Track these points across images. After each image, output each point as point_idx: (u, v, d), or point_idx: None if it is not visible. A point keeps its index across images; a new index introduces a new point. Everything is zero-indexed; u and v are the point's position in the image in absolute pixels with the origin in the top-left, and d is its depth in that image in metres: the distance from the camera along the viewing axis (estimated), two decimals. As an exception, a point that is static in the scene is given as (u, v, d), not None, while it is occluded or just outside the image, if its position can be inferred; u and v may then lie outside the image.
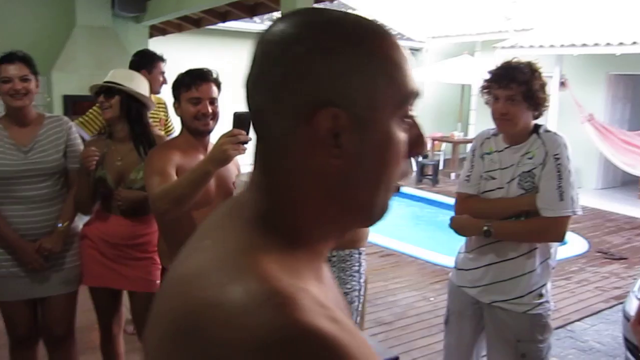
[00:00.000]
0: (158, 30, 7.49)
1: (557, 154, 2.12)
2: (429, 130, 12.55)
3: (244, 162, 2.21)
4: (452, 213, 2.40)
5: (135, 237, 2.56)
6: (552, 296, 2.31)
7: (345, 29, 0.64)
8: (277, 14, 5.01)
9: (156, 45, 6.70)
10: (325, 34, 0.63)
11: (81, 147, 2.59)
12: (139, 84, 2.59)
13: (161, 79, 3.63)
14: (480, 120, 12.05)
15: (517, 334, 2.22)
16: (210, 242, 0.64)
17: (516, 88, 2.11)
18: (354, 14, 0.67)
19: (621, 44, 8.59)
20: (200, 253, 0.63)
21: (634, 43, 8.48)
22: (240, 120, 1.87)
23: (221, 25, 7.31)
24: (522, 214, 2.18)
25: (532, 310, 2.21)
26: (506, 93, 2.13)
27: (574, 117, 9.03)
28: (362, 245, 2.42)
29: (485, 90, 2.22)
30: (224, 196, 2.13)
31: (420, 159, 11.31)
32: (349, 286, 2.32)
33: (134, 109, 2.53)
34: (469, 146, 10.60)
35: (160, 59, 3.67)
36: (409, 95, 0.66)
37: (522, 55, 2.47)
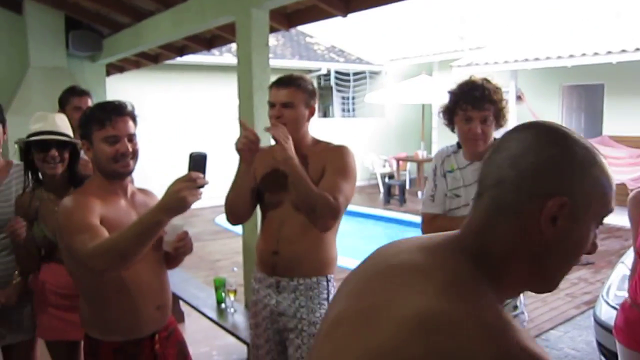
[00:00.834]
0: (115, 68, 7.44)
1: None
2: (393, 151, 12.71)
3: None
4: (420, 232, 2.39)
5: None
6: (525, 306, 2.32)
7: (585, 148, 0.86)
8: (234, 46, 5.04)
9: (114, 83, 6.67)
10: (573, 148, 0.85)
11: None
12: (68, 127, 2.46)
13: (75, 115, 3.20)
14: (442, 138, 12.26)
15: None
16: (440, 278, 0.82)
17: (490, 108, 2.12)
18: (578, 135, 0.89)
19: (572, 56, 8.91)
20: (432, 287, 0.80)
21: (584, 55, 8.80)
22: (197, 162, 1.66)
23: (179, 60, 7.30)
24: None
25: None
26: (481, 114, 2.12)
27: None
28: (330, 272, 2.34)
29: (461, 112, 2.18)
30: (154, 243, 1.80)
31: (387, 179, 11.42)
32: (317, 315, 2.23)
33: (75, 154, 2.41)
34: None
35: (77, 93, 3.41)
36: (608, 212, 0.87)
37: (478, 72, 2.51)
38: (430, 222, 2.33)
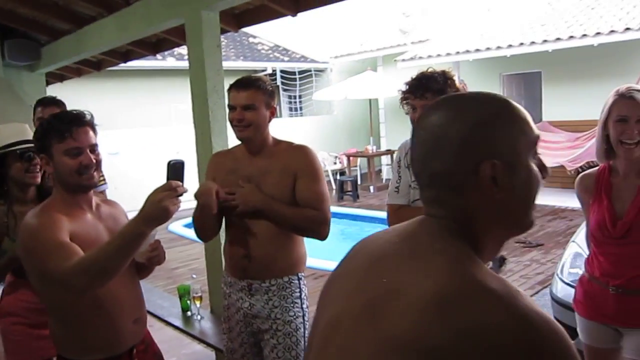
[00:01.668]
0: (55, 77, 7.19)
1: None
2: (343, 147, 12.81)
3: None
4: (376, 225, 2.43)
5: None
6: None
7: (488, 105, 0.93)
8: (183, 49, 4.94)
9: (54, 92, 6.40)
10: (475, 112, 0.91)
11: None
12: None
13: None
14: (390, 132, 12.45)
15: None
16: (444, 260, 0.85)
17: (431, 97, 2.19)
18: (480, 93, 0.96)
19: (510, 46, 9.25)
20: (436, 256, 0.86)
21: (522, 44, 9.15)
22: (175, 170, 1.63)
23: (123, 66, 7.12)
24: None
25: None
26: (422, 102, 2.21)
27: (476, 119, 9.55)
28: (302, 270, 2.36)
29: (404, 102, 2.29)
30: None
31: (338, 176, 11.51)
32: (291, 313, 2.25)
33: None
34: (383, 158, 10.90)
35: (44, 103, 3.29)
36: (535, 140, 0.93)
37: (421, 66, 2.58)
38: (395, 213, 2.38)
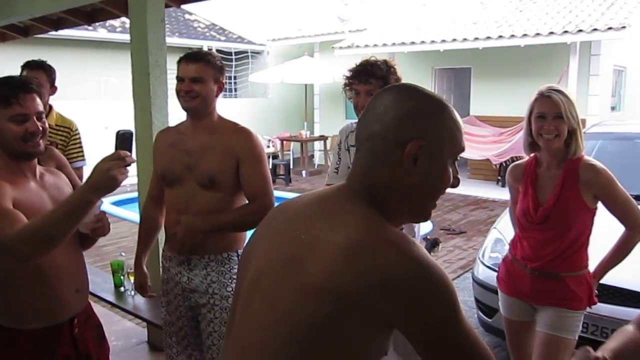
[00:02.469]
0: (-24, 41, 6.76)
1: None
2: (277, 131, 12.82)
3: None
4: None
5: None
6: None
7: (436, 101, 1.07)
8: (126, 21, 4.78)
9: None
10: (426, 101, 1.06)
11: None
12: None
13: None
14: (324, 118, 12.59)
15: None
16: (352, 219, 0.99)
17: (375, 83, 2.32)
18: (436, 93, 1.12)
19: (443, 41, 9.59)
20: (347, 214, 1.00)
21: (454, 40, 9.49)
22: (123, 140, 1.65)
23: (52, 34, 6.79)
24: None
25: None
26: (366, 88, 2.33)
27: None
28: (240, 247, 2.38)
29: (347, 87, 2.39)
30: None
31: (271, 159, 11.53)
32: (229, 289, 2.28)
33: None
34: (316, 144, 11.01)
35: (29, 66, 3.17)
36: (459, 150, 1.07)
37: (358, 55, 2.70)
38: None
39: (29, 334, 1.81)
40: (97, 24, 9.37)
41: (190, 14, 13.88)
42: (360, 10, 12.82)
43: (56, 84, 3.33)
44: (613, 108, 10.59)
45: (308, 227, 1.01)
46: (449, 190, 1.09)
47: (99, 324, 2.12)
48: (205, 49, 12.62)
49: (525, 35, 8.93)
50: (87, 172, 2.65)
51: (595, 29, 8.48)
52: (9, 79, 1.79)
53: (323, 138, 11.64)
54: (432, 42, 9.72)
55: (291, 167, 11.43)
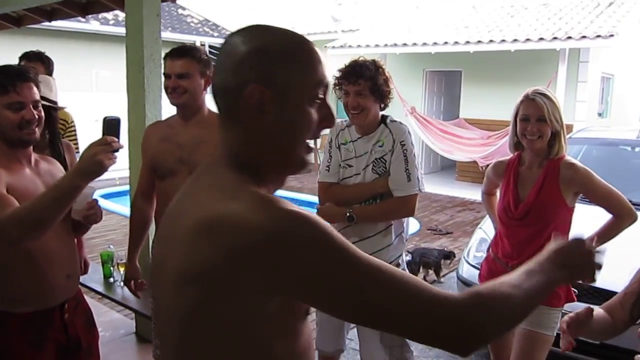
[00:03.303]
0: (-31, 29, 6.73)
1: (402, 141, 2.43)
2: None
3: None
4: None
5: None
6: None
7: (280, 38, 0.94)
8: (119, 14, 4.82)
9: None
10: (269, 41, 0.93)
11: None
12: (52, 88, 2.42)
13: None
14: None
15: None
16: (210, 179, 0.93)
17: (363, 83, 2.36)
18: (283, 28, 0.96)
19: (435, 43, 9.68)
20: (206, 190, 0.92)
21: (446, 43, 9.59)
22: (110, 126, 1.67)
23: (44, 25, 6.77)
24: (377, 196, 2.45)
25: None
26: (355, 88, 2.37)
27: (399, 111, 9.91)
28: None
29: (336, 87, 2.44)
30: None
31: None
32: None
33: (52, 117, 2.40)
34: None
35: (27, 57, 3.18)
36: (318, 84, 0.94)
37: (350, 54, 2.75)
38: (325, 190, 2.54)
39: (20, 317, 1.84)
40: (89, 16, 9.37)
41: (184, 9, 13.87)
42: (354, 11, 12.89)
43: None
44: (600, 114, 10.74)
45: (177, 212, 0.96)
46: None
47: (89, 310, 2.15)
48: (198, 44, 12.65)
49: (515, 40, 9.05)
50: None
51: (584, 37, 8.62)
52: (6, 68, 1.83)
53: (313, 136, 11.68)
54: (424, 44, 9.81)
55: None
